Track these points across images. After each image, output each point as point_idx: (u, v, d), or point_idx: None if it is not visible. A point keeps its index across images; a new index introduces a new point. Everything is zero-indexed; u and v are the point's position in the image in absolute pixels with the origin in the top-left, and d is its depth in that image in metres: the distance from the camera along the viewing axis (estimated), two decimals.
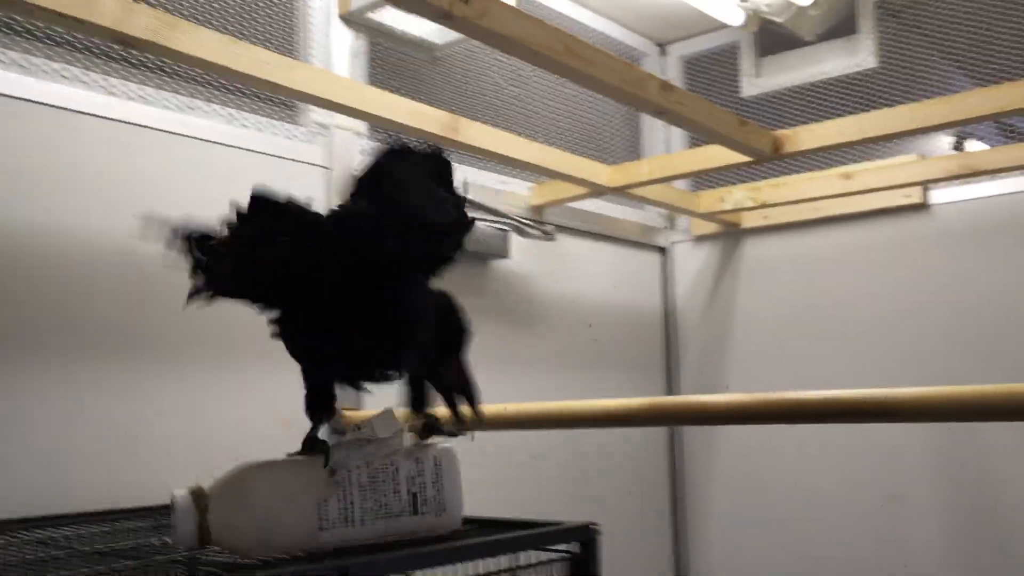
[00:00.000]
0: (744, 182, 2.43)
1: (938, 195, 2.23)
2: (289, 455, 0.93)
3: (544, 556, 1.01)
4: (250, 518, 0.86)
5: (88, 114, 1.44)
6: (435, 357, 0.99)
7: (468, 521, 1.10)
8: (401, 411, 1.00)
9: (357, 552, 0.86)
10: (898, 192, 2.21)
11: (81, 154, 1.42)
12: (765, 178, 2.42)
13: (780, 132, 1.81)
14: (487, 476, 2.04)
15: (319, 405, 0.96)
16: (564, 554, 1.01)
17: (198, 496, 0.86)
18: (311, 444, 0.93)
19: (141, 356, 1.46)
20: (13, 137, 1.36)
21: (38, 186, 1.38)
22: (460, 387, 1.03)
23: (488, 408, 1.50)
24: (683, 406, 1.28)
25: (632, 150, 2.62)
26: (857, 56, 2.31)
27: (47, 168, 1.38)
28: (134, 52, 1.46)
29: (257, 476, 0.88)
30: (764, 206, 2.28)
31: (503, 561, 0.98)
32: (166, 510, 0.91)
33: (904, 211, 2.25)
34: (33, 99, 1.38)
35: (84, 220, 1.41)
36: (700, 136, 1.71)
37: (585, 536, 1.00)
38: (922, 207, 2.23)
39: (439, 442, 1.00)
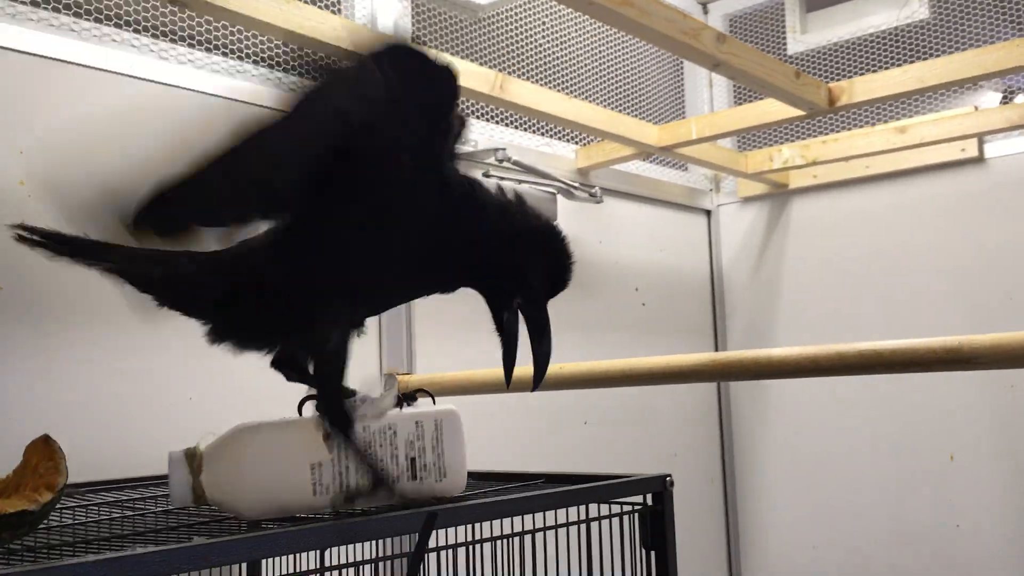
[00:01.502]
0: (791, 142, 2.39)
1: (994, 148, 2.17)
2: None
3: (616, 509, 1.00)
4: (242, 480, 0.85)
5: (138, 78, 1.43)
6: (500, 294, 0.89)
7: (536, 476, 1.10)
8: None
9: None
10: (954, 146, 2.16)
11: (128, 117, 1.42)
12: (813, 137, 2.37)
13: (835, 84, 1.77)
14: (536, 440, 2.03)
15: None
16: (637, 507, 1.00)
17: (192, 456, 0.86)
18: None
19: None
20: (60, 100, 1.35)
21: (86, 150, 1.37)
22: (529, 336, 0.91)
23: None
24: (749, 361, 1.25)
25: (676, 112, 2.58)
26: (909, 7, 2.25)
27: (92, 131, 1.38)
28: (186, 13, 1.45)
29: (251, 438, 0.88)
30: (815, 163, 2.23)
31: (573, 515, 0.97)
32: None
33: (960, 165, 2.20)
34: (82, 63, 1.37)
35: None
36: (754, 89, 1.68)
37: (660, 488, 0.98)
38: (978, 161, 2.18)
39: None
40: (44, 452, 0.87)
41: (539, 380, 0.90)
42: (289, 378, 0.93)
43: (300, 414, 0.92)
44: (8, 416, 1.25)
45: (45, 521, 0.88)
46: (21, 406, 1.26)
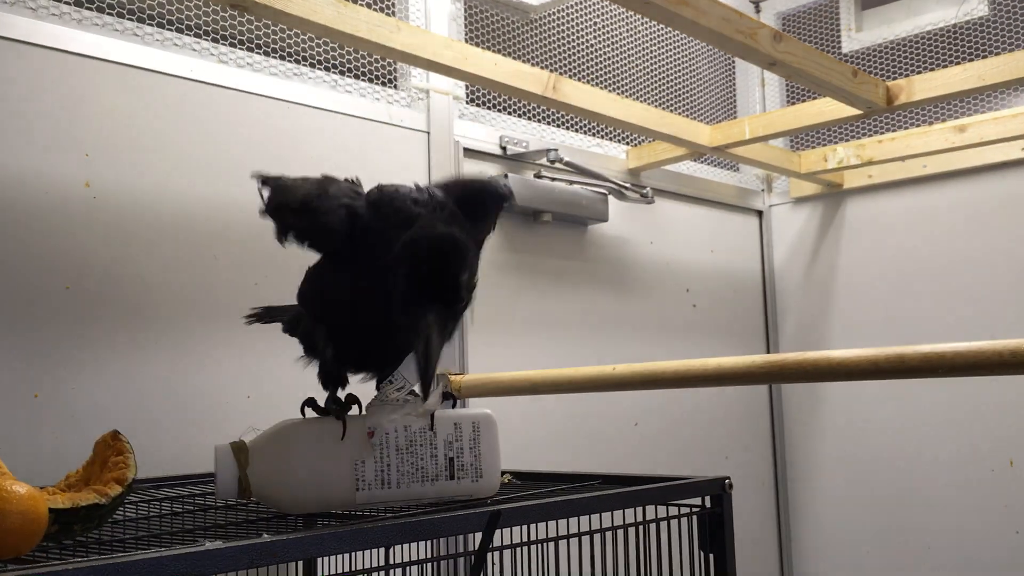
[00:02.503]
0: (845, 142, 2.36)
1: None
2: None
3: (674, 511, 1.00)
4: (287, 475, 0.87)
5: (199, 81, 1.46)
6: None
7: (593, 476, 1.09)
8: None
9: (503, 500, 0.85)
10: (1014, 145, 2.12)
11: (189, 121, 1.44)
12: (868, 136, 2.34)
13: (893, 83, 1.74)
14: (586, 441, 2.03)
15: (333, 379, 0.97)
16: (696, 509, 1.00)
17: (239, 450, 0.87)
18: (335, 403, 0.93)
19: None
20: (124, 104, 1.38)
21: (150, 153, 1.40)
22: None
23: (596, 369, 1.49)
24: (807, 363, 1.23)
25: (727, 112, 2.56)
26: (968, 4, 2.21)
27: (156, 134, 1.41)
28: (245, 17, 1.47)
29: (296, 434, 0.89)
30: (870, 163, 2.20)
31: (629, 516, 0.97)
32: None
33: (1020, 164, 2.15)
34: (145, 67, 1.40)
35: (188, 186, 1.44)
36: (811, 88, 1.65)
37: (719, 490, 0.98)
38: None
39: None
40: (113, 447, 0.89)
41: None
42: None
43: (303, 415, 0.93)
44: (75, 412, 1.28)
45: (113, 515, 0.90)
46: (87, 402, 1.29)
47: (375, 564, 0.87)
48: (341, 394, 0.96)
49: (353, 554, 1.25)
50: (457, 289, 0.80)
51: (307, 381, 1.46)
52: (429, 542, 1.35)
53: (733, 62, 2.57)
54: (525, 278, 1.94)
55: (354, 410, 0.94)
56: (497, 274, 1.89)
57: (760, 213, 2.59)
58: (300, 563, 1.33)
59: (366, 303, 0.89)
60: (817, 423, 2.47)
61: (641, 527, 0.96)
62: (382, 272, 0.84)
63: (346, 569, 1.09)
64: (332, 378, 0.96)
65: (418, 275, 0.79)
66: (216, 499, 1.10)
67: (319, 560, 1.26)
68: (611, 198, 2.09)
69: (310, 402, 0.94)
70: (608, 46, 2.22)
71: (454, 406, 0.94)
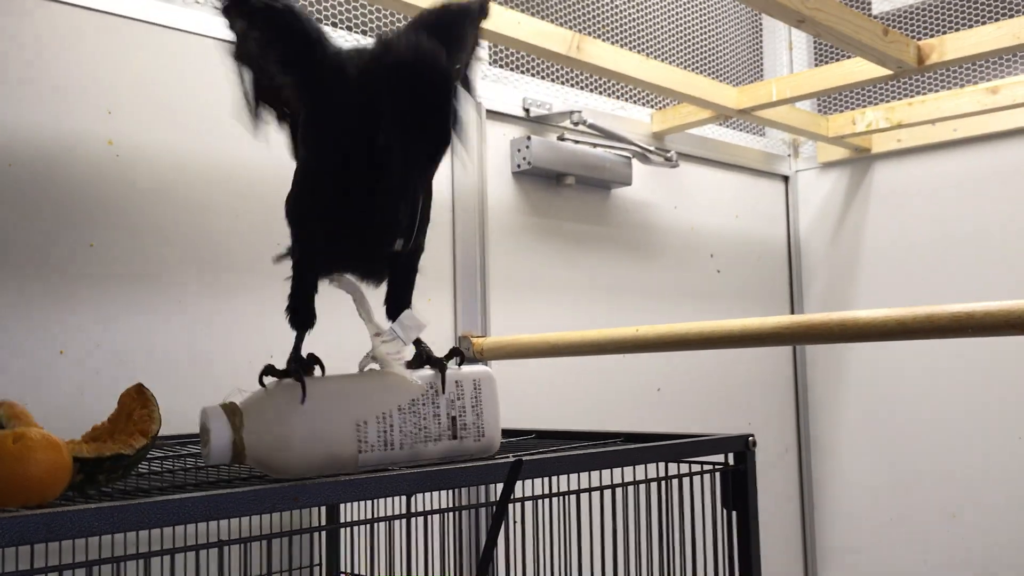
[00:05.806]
0: (874, 105, 2.32)
1: None
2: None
3: (696, 468, 0.99)
4: (287, 438, 0.82)
5: (220, 39, 1.45)
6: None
7: (615, 434, 1.09)
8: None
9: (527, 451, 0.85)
10: None
11: (211, 79, 1.44)
12: (898, 99, 2.30)
13: (925, 42, 1.70)
14: (609, 405, 2.03)
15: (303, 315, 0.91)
16: (719, 466, 0.99)
17: (232, 412, 0.82)
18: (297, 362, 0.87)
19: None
20: (147, 61, 1.38)
21: (172, 111, 1.40)
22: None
23: (619, 331, 1.48)
24: (834, 323, 1.22)
25: (754, 75, 2.52)
26: None
27: (178, 92, 1.40)
28: None
29: (296, 394, 0.83)
30: (900, 126, 2.16)
31: (652, 473, 0.96)
32: None
33: None
34: (167, 24, 1.40)
35: (210, 144, 1.43)
36: (840, 47, 1.62)
37: (742, 448, 0.97)
38: None
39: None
40: (138, 400, 0.90)
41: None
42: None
43: (261, 385, 0.86)
44: (99, 369, 1.29)
45: (137, 468, 0.91)
46: (111, 360, 1.30)
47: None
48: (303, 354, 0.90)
49: (376, 506, 1.26)
50: (447, 119, 0.72)
51: (324, 340, 1.47)
52: (449, 494, 1.35)
53: (760, 25, 2.53)
54: (547, 241, 1.93)
55: (316, 371, 0.89)
56: (519, 237, 1.88)
57: (786, 179, 2.56)
58: (323, 513, 1.34)
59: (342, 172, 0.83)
60: (841, 388, 2.45)
61: (664, 483, 0.96)
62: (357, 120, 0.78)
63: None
64: (300, 314, 0.91)
65: (399, 99, 0.73)
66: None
67: (341, 510, 1.27)
68: (635, 162, 2.06)
69: (268, 370, 0.87)
70: (633, 6, 2.19)
71: (461, 363, 0.91)
